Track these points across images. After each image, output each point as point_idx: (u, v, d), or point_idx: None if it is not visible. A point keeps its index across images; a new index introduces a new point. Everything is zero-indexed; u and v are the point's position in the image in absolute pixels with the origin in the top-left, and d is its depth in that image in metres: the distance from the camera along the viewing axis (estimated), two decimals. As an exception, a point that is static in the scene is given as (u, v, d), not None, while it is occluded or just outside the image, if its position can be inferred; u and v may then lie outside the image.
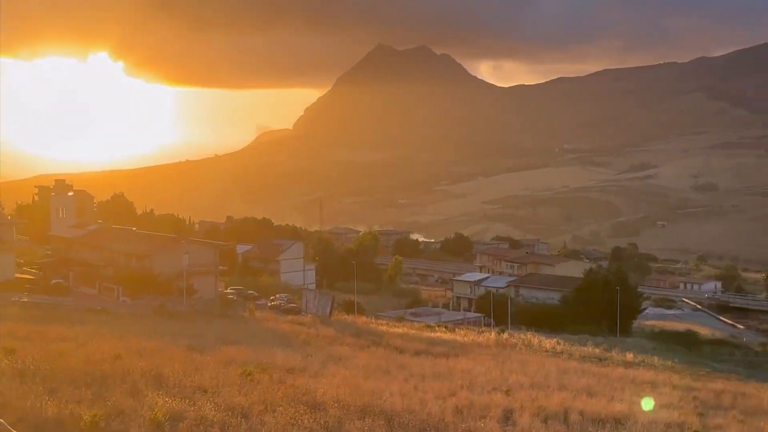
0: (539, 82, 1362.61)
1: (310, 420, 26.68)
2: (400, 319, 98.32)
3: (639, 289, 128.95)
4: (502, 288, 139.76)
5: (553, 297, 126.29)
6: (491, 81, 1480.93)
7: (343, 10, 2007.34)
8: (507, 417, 31.43)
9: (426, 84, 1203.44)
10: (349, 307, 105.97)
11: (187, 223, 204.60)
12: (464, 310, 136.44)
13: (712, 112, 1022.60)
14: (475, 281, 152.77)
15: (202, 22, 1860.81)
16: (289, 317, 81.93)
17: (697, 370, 64.71)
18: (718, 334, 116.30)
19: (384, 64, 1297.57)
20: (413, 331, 79.31)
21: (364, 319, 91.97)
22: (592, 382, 45.70)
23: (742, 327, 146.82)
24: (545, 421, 31.09)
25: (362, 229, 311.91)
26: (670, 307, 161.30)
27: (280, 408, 27.91)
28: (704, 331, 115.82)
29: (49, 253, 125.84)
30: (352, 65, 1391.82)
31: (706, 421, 34.75)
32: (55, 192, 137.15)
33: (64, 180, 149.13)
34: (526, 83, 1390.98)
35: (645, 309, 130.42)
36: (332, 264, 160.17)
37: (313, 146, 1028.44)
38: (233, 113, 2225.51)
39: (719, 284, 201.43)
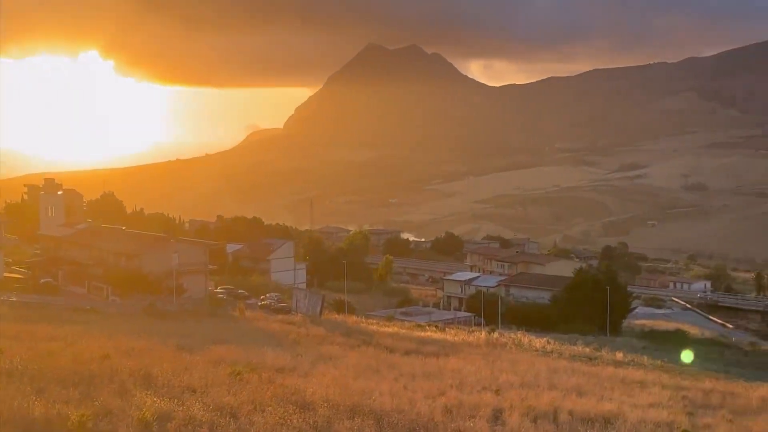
0: (530, 82, 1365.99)
1: (299, 420, 26.59)
2: (390, 319, 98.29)
3: (629, 289, 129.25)
4: (493, 287, 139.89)
5: (543, 296, 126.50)
6: (482, 80, 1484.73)
7: (334, 9, 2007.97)
8: (496, 417, 31.40)
9: (417, 83, 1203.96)
10: (339, 307, 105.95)
11: (177, 222, 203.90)
12: (455, 309, 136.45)
13: (702, 112, 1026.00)
14: (465, 280, 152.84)
15: (192, 21, 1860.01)
16: (279, 317, 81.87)
17: (686, 369, 64.82)
18: (707, 334, 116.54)
19: (375, 63, 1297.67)
20: (403, 331, 79.31)
21: (354, 318, 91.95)
22: (582, 382, 45.73)
23: (731, 326, 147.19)
24: (534, 420, 31.07)
25: (353, 228, 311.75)
26: (659, 307, 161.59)
27: (269, 408, 27.83)
28: (694, 331, 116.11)
29: (38, 252, 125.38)
30: (343, 64, 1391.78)
31: (695, 420, 34.79)
32: (45, 191, 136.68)
33: (54, 179, 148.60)
34: (516, 83, 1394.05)
35: (635, 308, 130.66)
36: (323, 263, 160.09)
37: (304, 145, 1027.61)
38: (224, 112, 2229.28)
39: (709, 284, 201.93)
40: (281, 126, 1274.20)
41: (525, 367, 52.19)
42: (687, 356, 38.23)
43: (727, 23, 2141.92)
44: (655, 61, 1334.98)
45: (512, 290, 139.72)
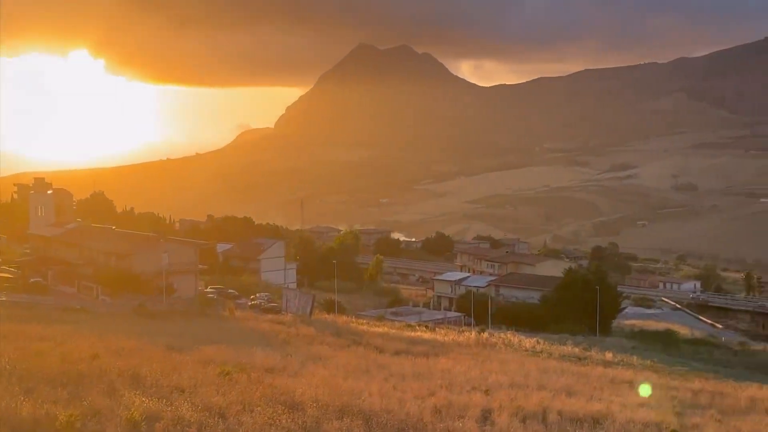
0: (520, 82, 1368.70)
1: (288, 420, 26.57)
2: (380, 319, 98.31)
3: (619, 289, 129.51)
4: (483, 287, 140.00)
5: (533, 296, 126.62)
6: (472, 80, 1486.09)
7: (325, 8, 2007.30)
8: (485, 417, 31.41)
9: (408, 83, 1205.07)
10: (329, 306, 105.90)
11: (167, 221, 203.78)
12: (445, 309, 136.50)
13: (693, 113, 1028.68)
14: (455, 280, 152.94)
15: (183, 20, 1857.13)
16: (269, 316, 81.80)
17: (675, 369, 64.99)
18: (697, 334, 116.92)
19: (366, 63, 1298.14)
20: (393, 331, 79.32)
21: (344, 318, 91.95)
22: (572, 382, 45.81)
23: (721, 326, 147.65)
24: (523, 420, 31.09)
25: (343, 228, 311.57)
26: (649, 307, 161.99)
27: (258, 408, 27.80)
28: (683, 331, 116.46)
29: (27, 251, 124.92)
30: (334, 64, 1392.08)
31: (684, 420, 34.87)
32: (34, 190, 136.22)
33: (44, 178, 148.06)
34: (507, 83, 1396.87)
35: (625, 308, 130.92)
36: (313, 263, 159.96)
37: (295, 145, 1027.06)
38: (215, 111, 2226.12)
39: (699, 284, 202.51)
40: (272, 125, 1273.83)
41: (515, 367, 52.26)
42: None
43: (717, 24, 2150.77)
44: (646, 62, 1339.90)
45: (502, 290, 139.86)
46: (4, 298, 78.19)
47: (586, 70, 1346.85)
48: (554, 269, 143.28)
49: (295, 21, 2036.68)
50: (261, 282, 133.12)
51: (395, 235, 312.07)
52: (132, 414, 24.76)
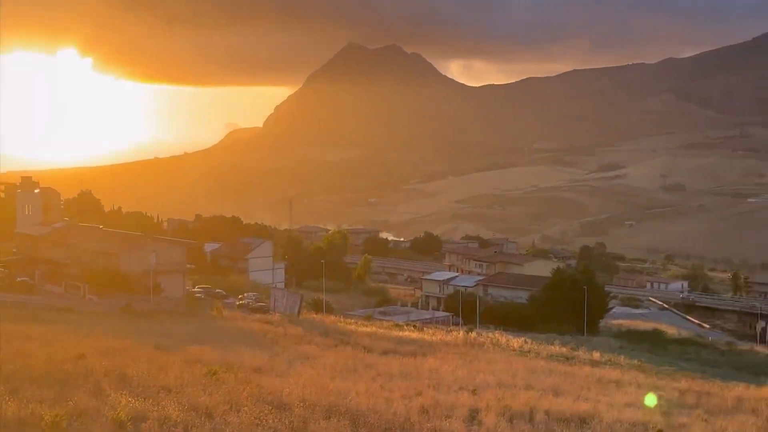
0: (509, 82, 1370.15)
1: (275, 420, 26.55)
2: (368, 318, 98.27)
3: (606, 289, 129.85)
4: (471, 287, 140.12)
5: (521, 296, 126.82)
6: (461, 80, 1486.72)
7: (313, 7, 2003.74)
8: (472, 417, 31.44)
9: (396, 83, 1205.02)
10: (317, 306, 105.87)
11: (155, 221, 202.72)
12: (433, 309, 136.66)
13: (680, 113, 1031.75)
14: (443, 280, 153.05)
15: (172, 19, 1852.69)
16: (257, 316, 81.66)
17: (662, 369, 65.17)
18: (684, 334, 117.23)
19: (355, 62, 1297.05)
20: (381, 330, 79.30)
21: (332, 317, 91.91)
22: (559, 382, 45.88)
23: (708, 326, 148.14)
24: (510, 420, 31.14)
25: (332, 227, 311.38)
26: (637, 307, 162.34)
27: (245, 408, 27.77)
28: (671, 331, 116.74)
29: (14, 251, 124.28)
30: (322, 63, 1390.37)
31: (671, 419, 34.96)
32: (22, 189, 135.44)
33: (31, 177, 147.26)
34: (495, 83, 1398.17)
35: (612, 308, 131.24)
36: (301, 263, 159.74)
37: (284, 144, 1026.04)
38: (203, 111, 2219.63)
39: (686, 284, 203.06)
40: (261, 125, 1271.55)
41: (502, 366, 52.31)
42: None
43: (705, 24, 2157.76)
44: (634, 62, 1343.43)
45: (490, 290, 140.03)
46: (-10, 298, 77.82)
47: (575, 71, 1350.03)
48: (542, 269, 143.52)
49: (284, 20, 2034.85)
50: (249, 282, 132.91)
51: (384, 235, 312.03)
52: (118, 414, 24.68)
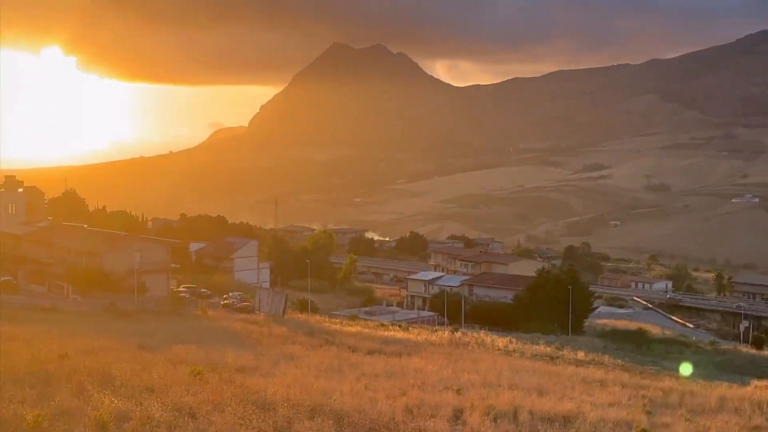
0: (495, 82, 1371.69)
1: (259, 420, 26.48)
2: (353, 318, 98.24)
3: (591, 288, 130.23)
4: (456, 287, 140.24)
5: (506, 296, 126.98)
6: (447, 80, 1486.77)
7: (299, 7, 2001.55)
8: (457, 416, 31.46)
9: (382, 83, 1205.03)
10: (302, 306, 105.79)
11: (139, 220, 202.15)
12: (418, 308, 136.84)
13: (665, 114, 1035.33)
14: (429, 280, 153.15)
15: (156, 17, 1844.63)
16: (242, 316, 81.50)
17: (646, 368, 65.44)
18: (668, 333, 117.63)
19: (340, 62, 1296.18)
20: (367, 330, 79.30)
21: (317, 317, 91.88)
22: (543, 381, 45.96)
23: (691, 326, 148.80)
24: (495, 420, 31.16)
25: (317, 227, 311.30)
26: (621, 306, 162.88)
27: (229, 408, 27.69)
28: (655, 330, 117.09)
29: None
30: (308, 63, 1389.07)
31: (654, 419, 35.08)
32: (5, 188, 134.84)
33: (14, 176, 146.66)
34: (481, 83, 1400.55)
35: (597, 308, 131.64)
36: (287, 262, 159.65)
37: (269, 144, 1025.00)
38: (188, 110, 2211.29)
39: (670, 284, 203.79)
40: (246, 124, 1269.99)
41: (487, 366, 52.38)
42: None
43: (690, 26, 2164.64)
44: (619, 63, 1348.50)
45: (475, 290, 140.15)
46: (-27, 297, 77.37)
47: (560, 71, 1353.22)
48: (527, 269, 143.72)
49: (270, 19, 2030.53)
50: (234, 281, 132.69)
51: (369, 235, 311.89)
52: (101, 414, 24.58)
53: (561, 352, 70.02)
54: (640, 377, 55.28)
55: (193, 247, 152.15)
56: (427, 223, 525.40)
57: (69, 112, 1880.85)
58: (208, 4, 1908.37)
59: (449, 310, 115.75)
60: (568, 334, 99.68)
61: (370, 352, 56.54)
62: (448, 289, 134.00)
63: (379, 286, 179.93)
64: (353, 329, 77.77)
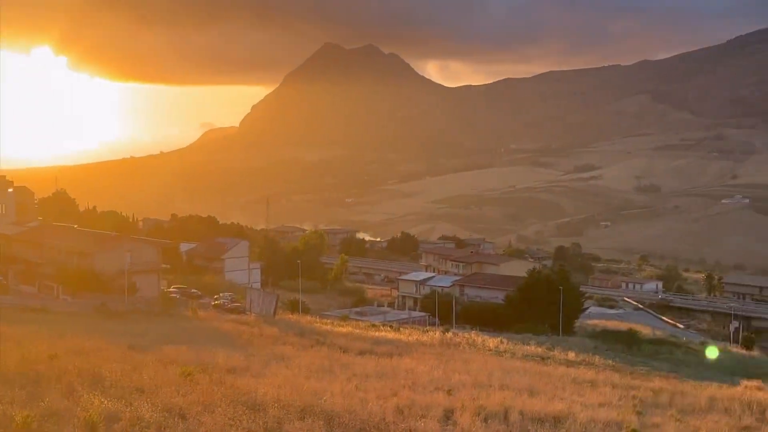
0: (486, 83, 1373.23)
1: (249, 420, 26.43)
2: (344, 319, 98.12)
3: (582, 289, 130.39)
4: (447, 287, 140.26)
5: (497, 296, 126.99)
6: (438, 81, 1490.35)
7: (290, 7, 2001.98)
8: (447, 417, 31.47)
9: (374, 83, 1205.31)
10: (293, 306, 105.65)
11: (130, 220, 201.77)
12: (409, 309, 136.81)
13: (656, 115, 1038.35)
14: (420, 280, 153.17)
15: (148, 17, 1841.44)
16: (233, 316, 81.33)
17: (637, 368, 65.52)
18: (658, 334, 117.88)
19: (332, 62, 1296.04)
20: (358, 331, 79.24)
21: (308, 318, 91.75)
22: (534, 381, 45.99)
23: (682, 326, 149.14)
24: (485, 420, 31.17)
25: (309, 227, 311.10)
26: (612, 307, 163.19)
27: (219, 408, 27.62)
28: (645, 331, 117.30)
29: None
30: (300, 63, 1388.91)
31: (644, 419, 35.15)
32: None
33: (5, 176, 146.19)
34: (472, 83, 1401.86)
35: (587, 308, 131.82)
36: (278, 263, 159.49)
37: (260, 144, 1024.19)
38: (179, 110, 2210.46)
39: (660, 284, 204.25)
40: (237, 124, 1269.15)
41: (478, 367, 52.38)
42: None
43: (680, 27, 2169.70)
44: (610, 64, 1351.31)
45: (467, 290, 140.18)
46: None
47: (551, 72, 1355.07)
48: (518, 269, 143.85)
49: (261, 19, 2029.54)
50: (225, 282, 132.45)
51: (360, 235, 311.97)
52: (90, 415, 24.50)
53: (552, 353, 70.08)
54: (630, 378, 55.35)
55: (184, 247, 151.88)
56: (419, 224, 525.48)
57: (60, 112, 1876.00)
58: (200, 4, 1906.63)
59: (440, 310, 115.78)
60: (558, 335, 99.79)
61: (361, 353, 56.50)
62: (439, 289, 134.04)
63: (370, 287, 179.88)
64: (344, 330, 77.71)
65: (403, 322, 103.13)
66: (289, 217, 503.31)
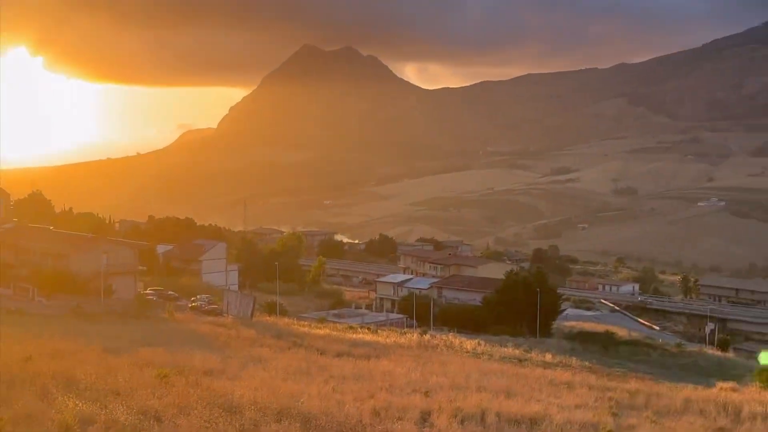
0: (464, 85, 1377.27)
1: (225, 423, 26.28)
2: (322, 321, 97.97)
3: (559, 291, 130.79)
4: (425, 289, 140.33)
5: (475, 298, 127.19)
6: (417, 83, 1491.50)
7: (269, 9, 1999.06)
8: (424, 418, 31.42)
9: (352, 85, 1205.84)
10: (271, 308, 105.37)
11: (107, 222, 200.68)
12: (387, 311, 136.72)
13: (632, 118, 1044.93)
14: (398, 282, 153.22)
15: (125, 18, 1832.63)
16: (210, 318, 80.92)
17: (613, 370, 65.80)
18: (635, 335, 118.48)
19: (310, 64, 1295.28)
20: (335, 333, 79.09)
21: (286, 320, 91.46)
22: (511, 383, 46.02)
23: (658, 328, 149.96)
24: (462, 422, 31.16)
25: (287, 229, 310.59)
26: (589, 309, 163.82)
27: (195, 411, 27.43)
28: (622, 332, 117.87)
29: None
30: (278, 65, 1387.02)
31: (620, 421, 35.24)
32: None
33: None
34: (451, 86, 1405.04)
35: (565, 310, 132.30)
36: (255, 265, 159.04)
37: (238, 146, 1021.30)
38: (157, 111, 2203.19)
39: (637, 286, 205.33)
40: (215, 126, 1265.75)
41: (455, 368, 52.40)
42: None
43: (657, 31, 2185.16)
44: (587, 67, 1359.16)
45: (445, 292, 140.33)
46: (-64, 300, 76.35)
47: (529, 75, 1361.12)
48: (496, 271, 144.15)
49: (239, 21, 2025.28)
50: (202, 284, 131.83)
51: (339, 237, 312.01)
52: (65, 417, 24.29)
53: (529, 355, 70.25)
54: (606, 379, 55.55)
55: (161, 249, 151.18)
56: (397, 226, 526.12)
57: (36, 113, 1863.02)
58: (177, 5, 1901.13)
59: (418, 312, 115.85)
60: (536, 337, 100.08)
61: (339, 355, 56.39)
62: (417, 291, 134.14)
63: (348, 289, 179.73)
64: (322, 332, 77.57)
65: (380, 324, 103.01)
66: (266, 219, 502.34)
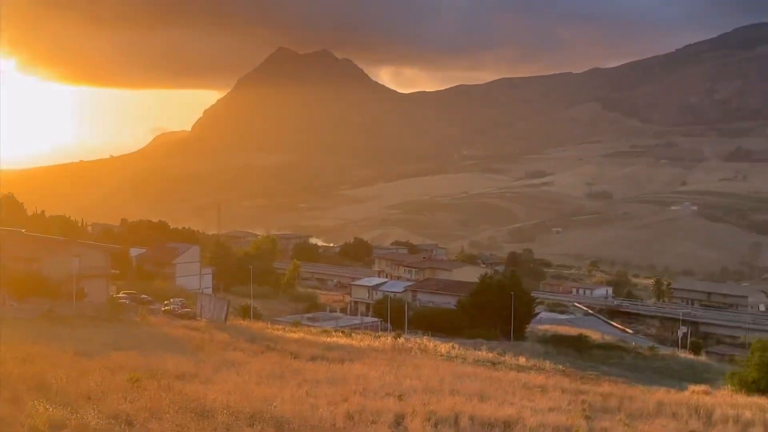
0: (439, 89, 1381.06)
1: (197, 427, 26.14)
2: (296, 324, 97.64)
3: (533, 294, 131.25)
4: (400, 293, 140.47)
5: (449, 302, 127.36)
6: (392, 86, 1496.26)
7: (243, 11, 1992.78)
8: (398, 422, 31.41)
9: (327, 88, 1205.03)
10: (245, 312, 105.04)
11: (79, 225, 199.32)
12: (362, 314, 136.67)
13: (606, 122, 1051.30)
14: (373, 286, 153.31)
15: (98, 19, 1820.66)
16: (183, 322, 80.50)
17: (586, 373, 66.04)
18: (608, 339, 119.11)
19: (285, 67, 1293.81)
20: (309, 336, 78.85)
21: (260, 324, 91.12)
22: (485, 387, 46.09)
23: (631, 331, 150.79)
24: (436, 425, 31.19)
25: (261, 232, 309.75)
26: (563, 312, 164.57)
27: (167, 415, 27.26)
28: (595, 336, 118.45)
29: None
30: (253, 67, 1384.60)
31: (593, 424, 35.38)
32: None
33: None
34: (426, 90, 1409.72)
35: (539, 314, 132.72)
36: (229, 268, 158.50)
37: (212, 149, 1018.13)
38: (130, 114, 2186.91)
39: (610, 290, 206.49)
40: (189, 129, 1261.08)
41: (429, 372, 52.39)
42: None
43: (630, 36, 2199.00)
44: (561, 71, 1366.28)
45: (419, 295, 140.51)
46: None
47: (503, 79, 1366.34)
48: (471, 275, 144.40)
49: (214, 23, 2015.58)
50: (175, 287, 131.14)
51: (313, 241, 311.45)
52: (35, 422, 24.06)
53: (503, 358, 70.36)
54: (580, 382, 55.74)
55: (134, 252, 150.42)
56: (371, 229, 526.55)
57: (8, 115, 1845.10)
58: (151, 7, 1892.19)
59: (392, 315, 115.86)
60: (510, 340, 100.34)
61: (313, 359, 56.23)
62: (392, 294, 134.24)
63: (323, 292, 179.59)
64: (296, 335, 77.32)
65: (355, 328, 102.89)
66: (240, 222, 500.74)
